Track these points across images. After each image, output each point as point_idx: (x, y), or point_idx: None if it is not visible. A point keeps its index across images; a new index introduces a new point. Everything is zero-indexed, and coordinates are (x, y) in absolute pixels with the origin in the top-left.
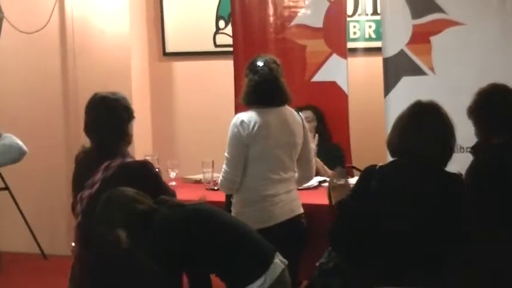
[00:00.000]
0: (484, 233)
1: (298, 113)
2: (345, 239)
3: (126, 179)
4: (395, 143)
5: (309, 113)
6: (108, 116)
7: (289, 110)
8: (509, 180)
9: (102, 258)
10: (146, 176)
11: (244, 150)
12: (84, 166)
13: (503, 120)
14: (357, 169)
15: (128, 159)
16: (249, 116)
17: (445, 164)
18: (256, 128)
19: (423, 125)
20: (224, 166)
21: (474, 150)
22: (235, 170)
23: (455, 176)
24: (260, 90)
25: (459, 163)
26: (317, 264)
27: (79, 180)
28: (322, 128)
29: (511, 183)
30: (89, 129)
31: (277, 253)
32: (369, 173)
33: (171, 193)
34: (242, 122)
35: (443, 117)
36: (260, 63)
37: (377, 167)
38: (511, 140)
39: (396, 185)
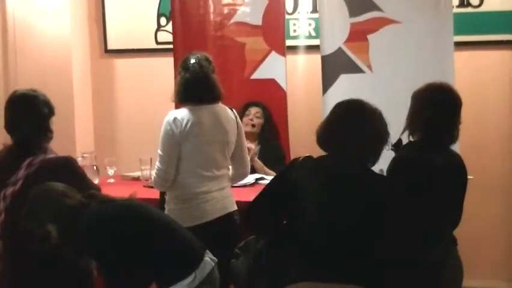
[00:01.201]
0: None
1: (232, 110)
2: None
3: (49, 175)
4: (321, 136)
5: (257, 110)
6: (28, 113)
7: (222, 108)
8: (424, 175)
9: (28, 255)
10: (69, 171)
11: (176, 147)
12: (5, 163)
13: (427, 118)
14: None
15: (51, 155)
16: (182, 114)
17: (371, 162)
18: (188, 125)
19: (351, 123)
20: (157, 163)
21: (395, 147)
22: (167, 168)
23: (378, 176)
24: (191, 87)
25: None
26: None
27: (1, 178)
28: (269, 126)
29: (425, 178)
30: (9, 126)
31: (207, 251)
32: (292, 164)
33: (96, 188)
34: (175, 119)
35: (373, 117)
36: (191, 61)
37: (300, 159)
38: (427, 137)
39: (318, 179)
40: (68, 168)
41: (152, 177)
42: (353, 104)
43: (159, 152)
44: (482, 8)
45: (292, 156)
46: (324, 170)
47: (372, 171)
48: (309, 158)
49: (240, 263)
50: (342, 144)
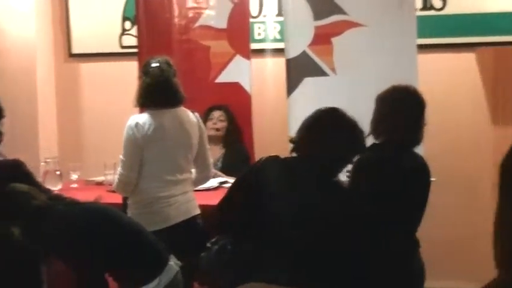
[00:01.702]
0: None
1: (194, 114)
2: (229, 214)
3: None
4: (296, 141)
5: (220, 113)
6: None
7: (184, 111)
8: (386, 175)
9: None
10: (19, 175)
11: (139, 152)
12: None
13: (391, 121)
14: None
15: (0, 159)
16: (144, 118)
17: (335, 172)
18: (151, 130)
19: (330, 132)
20: (119, 168)
21: None
22: (129, 172)
23: (341, 185)
24: (152, 92)
25: None
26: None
27: None
28: (233, 129)
29: (388, 179)
30: None
31: (172, 255)
32: (254, 165)
33: (45, 191)
34: (137, 124)
35: (351, 128)
36: (152, 65)
37: (263, 159)
38: (392, 140)
39: (282, 178)
40: (18, 172)
41: (114, 182)
42: (341, 115)
43: (121, 157)
44: (445, 11)
45: (257, 158)
46: (290, 170)
47: (337, 180)
48: (272, 158)
49: (207, 256)
50: (316, 151)
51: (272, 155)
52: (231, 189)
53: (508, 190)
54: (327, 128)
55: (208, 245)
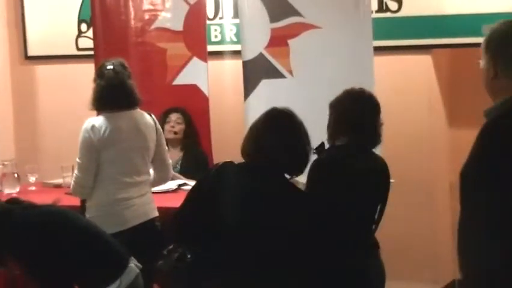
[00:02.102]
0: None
1: (151, 115)
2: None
3: None
4: (246, 148)
5: (178, 115)
6: None
7: (140, 113)
8: (344, 177)
9: None
10: None
11: (95, 155)
12: None
13: (346, 125)
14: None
15: None
16: (100, 121)
17: (295, 172)
18: (107, 132)
19: (276, 132)
20: (75, 171)
21: (317, 150)
22: (86, 175)
23: (297, 189)
24: (107, 94)
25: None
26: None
27: None
28: (191, 131)
29: (345, 180)
30: None
31: (132, 257)
32: (209, 171)
33: None
34: (93, 126)
35: (297, 125)
36: (106, 68)
37: (219, 165)
38: (351, 141)
39: (236, 185)
40: None
41: (71, 186)
42: (280, 112)
43: (77, 160)
44: (401, 13)
45: (216, 160)
46: (244, 176)
47: (292, 183)
48: (227, 164)
49: (164, 264)
50: (267, 153)
51: (226, 161)
52: (188, 196)
53: (467, 196)
54: (271, 130)
55: (165, 252)
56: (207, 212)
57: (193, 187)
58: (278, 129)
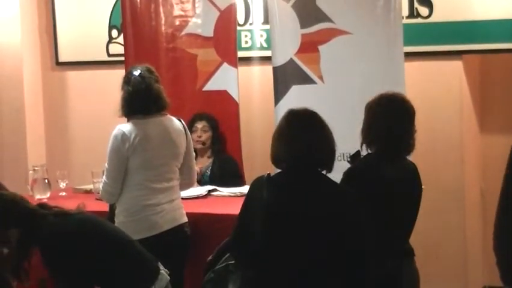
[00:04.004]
0: None
1: (180, 121)
2: (244, 251)
3: None
4: (277, 154)
5: (204, 123)
6: None
7: (170, 119)
8: (375, 186)
9: None
10: None
11: (124, 162)
12: None
13: (382, 129)
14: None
15: None
16: (129, 128)
17: (330, 168)
18: (137, 139)
19: (303, 132)
20: (104, 177)
21: (351, 159)
22: (114, 182)
23: (345, 189)
24: (134, 101)
25: (342, 171)
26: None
27: None
28: (217, 137)
29: (377, 189)
30: None
31: (160, 263)
32: (260, 183)
33: None
34: (122, 133)
35: (320, 121)
36: (133, 74)
37: (265, 176)
38: (384, 149)
39: (288, 196)
40: None
41: (100, 191)
42: (301, 113)
43: (106, 166)
44: (432, 19)
45: (246, 167)
46: (293, 188)
47: (338, 184)
48: (267, 177)
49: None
50: (299, 156)
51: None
52: (239, 217)
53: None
54: (301, 129)
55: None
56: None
57: (245, 205)
58: (307, 126)
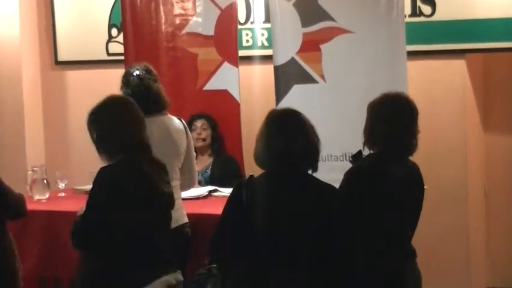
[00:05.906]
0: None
1: (181, 120)
2: (226, 250)
3: None
4: (257, 154)
5: (203, 121)
6: None
7: (170, 119)
8: (377, 185)
9: None
10: None
11: None
12: None
13: (385, 129)
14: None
15: None
16: None
17: (315, 166)
18: None
19: (279, 131)
20: None
21: (353, 159)
22: None
23: (329, 187)
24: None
25: (344, 171)
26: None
27: None
28: (216, 136)
29: (380, 188)
30: None
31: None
32: (241, 185)
33: (18, 197)
34: None
35: (299, 120)
36: (131, 75)
37: (247, 178)
38: (387, 149)
39: (268, 195)
40: None
41: None
42: (283, 113)
43: None
44: (435, 18)
45: (247, 167)
46: (273, 186)
47: (322, 182)
48: (253, 179)
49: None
50: (275, 155)
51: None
52: (222, 217)
53: None
54: (278, 130)
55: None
56: (243, 231)
57: (226, 208)
58: (284, 125)
